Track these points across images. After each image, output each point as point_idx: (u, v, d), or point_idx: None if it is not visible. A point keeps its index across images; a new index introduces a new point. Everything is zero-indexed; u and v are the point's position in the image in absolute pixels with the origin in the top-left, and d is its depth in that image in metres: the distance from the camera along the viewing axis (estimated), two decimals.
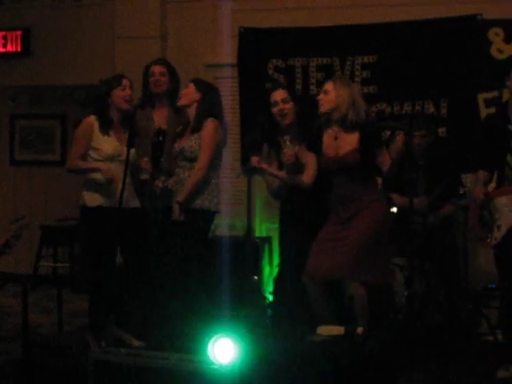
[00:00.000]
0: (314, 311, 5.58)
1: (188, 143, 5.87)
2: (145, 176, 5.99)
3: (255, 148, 6.02)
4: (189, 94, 5.96)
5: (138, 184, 6.00)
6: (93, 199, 5.79)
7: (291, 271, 5.82)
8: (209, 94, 5.96)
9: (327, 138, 5.69)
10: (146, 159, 5.96)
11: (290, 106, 5.94)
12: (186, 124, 6.01)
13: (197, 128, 5.89)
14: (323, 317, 5.51)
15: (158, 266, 5.95)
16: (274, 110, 5.95)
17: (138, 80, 6.26)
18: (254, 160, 5.75)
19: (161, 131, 6.06)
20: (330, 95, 5.59)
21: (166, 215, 5.94)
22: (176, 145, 5.97)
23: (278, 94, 5.98)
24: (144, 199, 5.99)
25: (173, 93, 6.22)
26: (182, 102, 6.00)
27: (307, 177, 5.76)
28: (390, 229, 5.69)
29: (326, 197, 5.70)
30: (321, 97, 5.65)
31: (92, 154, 5.82)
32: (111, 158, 5.79)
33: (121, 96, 5.88)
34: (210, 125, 5.85)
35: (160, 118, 6.22)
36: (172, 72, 6.27)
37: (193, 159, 5.84)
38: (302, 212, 5.84)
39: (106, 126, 5.85)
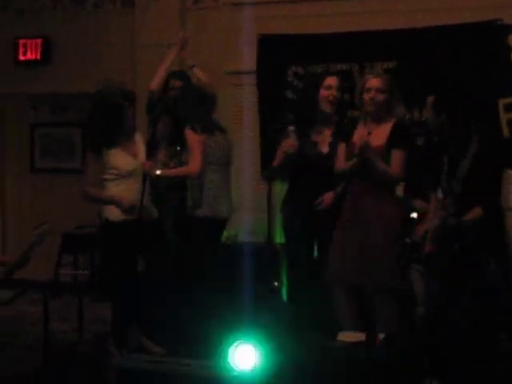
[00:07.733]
0: (336, 315, 5.60)
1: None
2: None
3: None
4: None
5: (156, 194, 5.99)
6: (115, 214, 5.69)
7: (303, 274, 5.85)
8: None
9: (361, 130, 5.68)
10: None
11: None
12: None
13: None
14: (344, 321, 5.52)
15: (177, 274, 5.98)
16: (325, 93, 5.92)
17: None
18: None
19: None
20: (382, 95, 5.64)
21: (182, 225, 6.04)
22: None
23: (332, 80, 5.98)
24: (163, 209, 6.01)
25: None
26: None
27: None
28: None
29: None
30: (373, 95, 5.63)
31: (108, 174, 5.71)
32: (130, 174, 5.72)
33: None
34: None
35: None
36: None
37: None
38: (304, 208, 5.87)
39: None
